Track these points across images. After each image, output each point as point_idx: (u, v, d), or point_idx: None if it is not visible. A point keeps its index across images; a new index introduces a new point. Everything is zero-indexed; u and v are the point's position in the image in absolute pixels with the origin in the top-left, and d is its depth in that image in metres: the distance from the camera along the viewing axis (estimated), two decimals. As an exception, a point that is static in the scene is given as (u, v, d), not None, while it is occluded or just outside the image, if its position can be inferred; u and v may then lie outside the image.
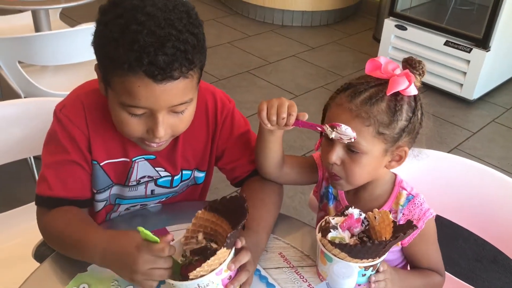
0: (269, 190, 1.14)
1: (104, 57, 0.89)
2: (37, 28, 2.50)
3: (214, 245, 0.91)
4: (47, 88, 2.15)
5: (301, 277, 1.00)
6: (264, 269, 1.01)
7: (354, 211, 0.97)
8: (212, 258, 0.82)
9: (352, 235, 0.96)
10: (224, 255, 0.84)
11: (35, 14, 2.47)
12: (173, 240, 0.88)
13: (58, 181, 1.03)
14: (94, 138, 1.04)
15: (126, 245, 0.87)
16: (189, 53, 0.87)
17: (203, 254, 0.89)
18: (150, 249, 0.84)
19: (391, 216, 0.94)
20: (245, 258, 0.90)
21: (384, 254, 0.93)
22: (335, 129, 0.96)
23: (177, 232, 1.06)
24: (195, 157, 1.15)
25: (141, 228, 0.82)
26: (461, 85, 3.29)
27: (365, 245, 0.88)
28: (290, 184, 1.18)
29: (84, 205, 1.08)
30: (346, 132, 0.95)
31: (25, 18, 2.72)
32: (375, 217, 0.96)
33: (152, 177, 1.12)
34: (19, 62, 2.08)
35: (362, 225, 0.97)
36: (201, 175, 1.20)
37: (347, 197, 1.11)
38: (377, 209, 0.97)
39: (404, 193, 1.06)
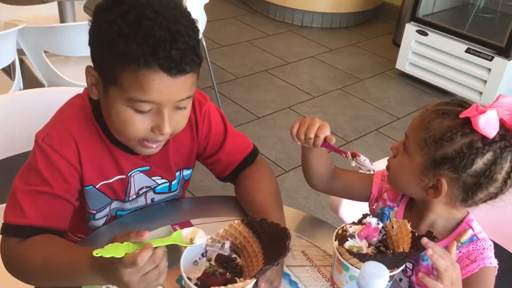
0: (265, 183, 1.17)
1: (112, 54, 0.88)
2: (62, 19, 2.53)
3: (238, 259, 0.93)
4: (69, 78, 2.17)
5: (324, 276, 1.00)
6: (287, 266, 1.02)
7: (372, 220, 0.96)
8: (239, 284, 0.83)
9: (370, 245, 0.96)
10: (250, 283, 0.85)
11: (61, 5, 2.49)
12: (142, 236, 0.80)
13: (36, 209, 0.96)
14: (87, 164, 1.01)
15: (107, 263, 0.80)
16: (196, 48, 0.91)
17: (226, 266, 0.90)
18: (124, 263, 0.77)
19: (409, 226, 0.93)
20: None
21: (403, 265, 0.92)
22: (355, 158, 0.99)
23: (201, 226, 1.07)
24: (183, 159, 1.16)
25: (95, 252, 0.76)
26: (481, 93, 3.27)
27: (385, 256, 0.87)
28: (341, 197, 1.19)
29: (61, 236, 1.00)
30: (365, 163, 0.98)
31: (51, 9, 2.75)
32: (393, 227, 0.95)
33: (150, 186, 1.13)
34: (44, 52, 2.10)
35: (379, 234, 0.96)
36: (188, 172, 1.21)
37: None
38: (395, 219, 0.96)
39: (470, 232, 1.01)
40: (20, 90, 2.14)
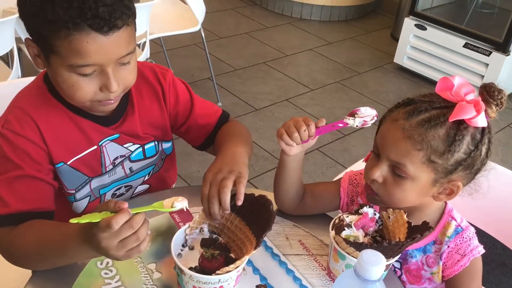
0: (236, 130, 1.18)
1: (42, 23, 0.86)
2: (60, 8, 2.51)
3: (219, 238, 0.94)
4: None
5: (320, 265, 1.02)
6: (284, 255, 1.03)
7: (369, 210, 0.97)
8: (246, 257, 0.85)
9: (366, 234, 0.96)
10: (253, 252, 0.86)
11: (59, -6, 2.48)
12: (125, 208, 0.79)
13: (15, 195, 0.95)
14: (52, 141, 1.00)
15: (87, 230, 0.80)
16: (125, 0, 0.89)
17: (214, 247, 0.91)
18: (99, 227, 0.77)
19: (405, 217, 0.94)
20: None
21: (398, 254, 0.93)
22: (356, 115, 0.97)
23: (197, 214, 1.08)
24: (157, 131, 1.16)
25: (72, 219, 0.76)
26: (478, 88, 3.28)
27: (381, 245, 0.87)
28: (313, 212, 1.14)
29: (49, 217, 0.99)
30: (367, 112, 0.96)
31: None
32: (389, 217, 0.96)
33: (124, 155, 1.13)
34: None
35: (376, 224, 0.97)
36: (167, 145, 1.21)
37: None
38: (391, 209, 0.96)
39: (454, 223, 1.01)
40: (18, 78, 2.13)
